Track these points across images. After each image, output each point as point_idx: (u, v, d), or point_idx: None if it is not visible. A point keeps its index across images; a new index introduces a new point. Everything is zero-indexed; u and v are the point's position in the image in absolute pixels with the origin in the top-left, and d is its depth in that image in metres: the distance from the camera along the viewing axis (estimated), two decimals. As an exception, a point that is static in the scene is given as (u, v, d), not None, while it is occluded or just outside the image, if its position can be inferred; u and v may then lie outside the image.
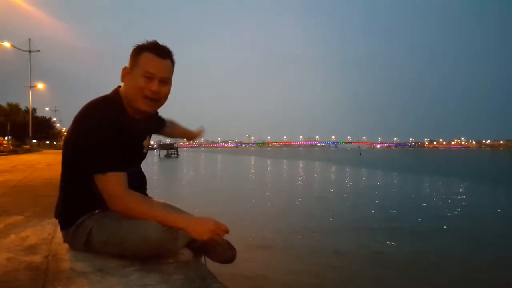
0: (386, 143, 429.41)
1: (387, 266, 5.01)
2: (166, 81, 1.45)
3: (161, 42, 1.46)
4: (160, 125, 1.86)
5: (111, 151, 1.35)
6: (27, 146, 31.57)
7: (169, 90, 1.48)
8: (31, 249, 1.57)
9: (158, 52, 1.42)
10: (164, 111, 1.73)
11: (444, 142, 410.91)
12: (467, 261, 5.32)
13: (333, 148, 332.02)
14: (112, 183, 1.34)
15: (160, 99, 1.46)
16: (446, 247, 6.01)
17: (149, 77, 1.40)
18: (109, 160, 1.35)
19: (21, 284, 1.18)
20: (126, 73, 1.46)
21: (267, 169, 28.24)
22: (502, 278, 4.71)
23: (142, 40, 1.46)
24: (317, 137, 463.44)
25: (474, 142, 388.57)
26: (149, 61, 1.40)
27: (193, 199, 10.91)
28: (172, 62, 1.47)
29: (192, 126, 2.08)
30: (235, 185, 16.19)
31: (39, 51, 33.67)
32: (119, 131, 1.39)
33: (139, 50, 1.43)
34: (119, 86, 1.51)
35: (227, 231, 1.33)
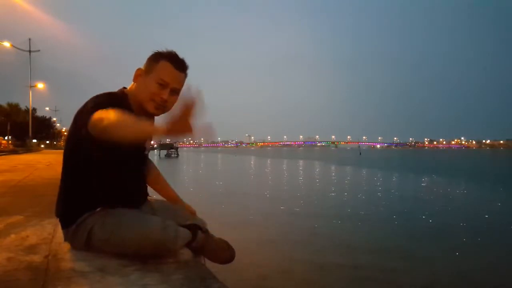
0: (386, 143, 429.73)
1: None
2: (176, 92, 1.49)
3: (180, 55, 1.49)
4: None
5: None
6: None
7: (176, 100, 1.50)
8: (31, 249, 1.57)
9: (177, 64, 1.47)
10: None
11: (444, 142, 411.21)
12: None
13: (333, 148, 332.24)
14: (102, 112, 1.23)
15: (166, 106, 1.49)
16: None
17: (163, 85, 1.45)
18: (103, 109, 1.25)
19: (21, 284, 1.18)
20: (139, 75, 1.49)
21: (272, 170, 28.22)
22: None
23: (161, 47, 1.48)
24: (317, 137, 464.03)
25: (474, 142, 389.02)
26: (166, 70, 1.45)
27: (195, 201, 10.88)
28: (186, 76, 1.52)
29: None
30: (240, 187, 16.17)
31: (39, 51, 33.76)
32: None
33: (159, 57, 1.46)
34: (124, 87, 1.53)
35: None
